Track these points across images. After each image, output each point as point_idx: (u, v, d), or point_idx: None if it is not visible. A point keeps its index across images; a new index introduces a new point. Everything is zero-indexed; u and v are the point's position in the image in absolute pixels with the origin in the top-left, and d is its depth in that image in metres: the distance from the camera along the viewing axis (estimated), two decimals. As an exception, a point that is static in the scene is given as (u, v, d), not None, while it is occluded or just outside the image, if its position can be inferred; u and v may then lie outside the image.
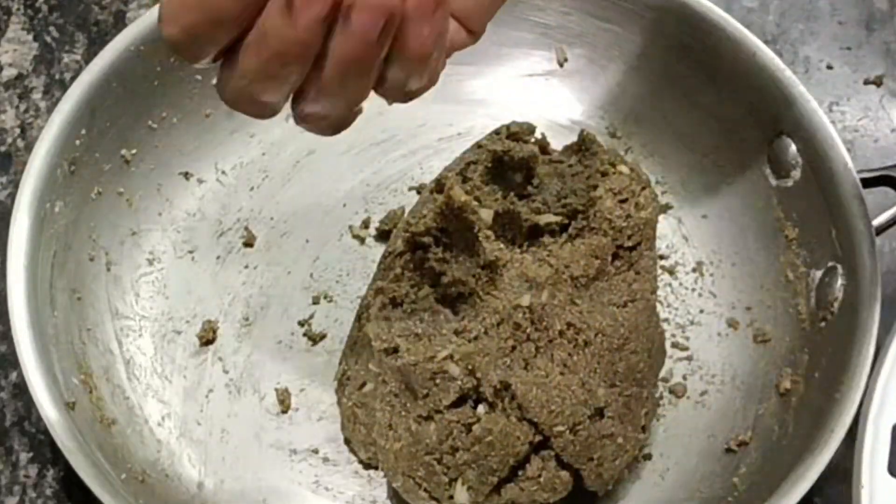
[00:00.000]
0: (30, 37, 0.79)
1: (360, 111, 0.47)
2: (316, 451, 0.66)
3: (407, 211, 0.69)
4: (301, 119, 0.47)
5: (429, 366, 0.57)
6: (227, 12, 0.43)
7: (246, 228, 0.72)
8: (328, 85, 0.45)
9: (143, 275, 0.70)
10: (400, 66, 0.45)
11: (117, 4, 0.80)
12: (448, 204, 0.58)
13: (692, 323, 0.70)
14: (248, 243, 0.71)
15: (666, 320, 0.69)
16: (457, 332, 0.58)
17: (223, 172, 0.73)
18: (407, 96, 0.47)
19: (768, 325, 0.69)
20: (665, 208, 0.72)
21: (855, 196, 0.65)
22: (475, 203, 0.59)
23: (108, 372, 0.66)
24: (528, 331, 0.58)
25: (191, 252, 0.71)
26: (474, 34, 0.49)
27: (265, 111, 0.47)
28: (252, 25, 0.44)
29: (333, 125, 0.48)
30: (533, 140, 0.66)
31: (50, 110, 0.72)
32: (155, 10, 0.69)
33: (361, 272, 0.70)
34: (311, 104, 0.46)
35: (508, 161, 0.62)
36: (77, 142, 0.67)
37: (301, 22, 0.43)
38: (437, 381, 0.57)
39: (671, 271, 0.71)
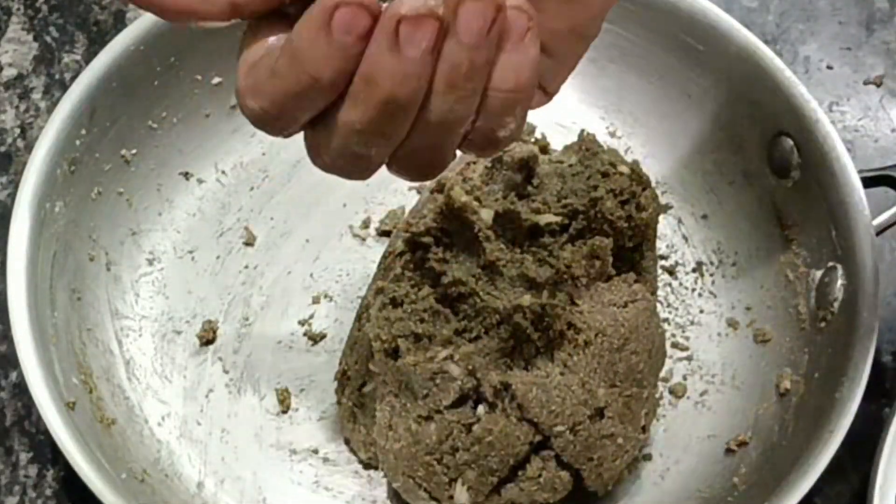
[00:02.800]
0: (30, 37, 0.79)
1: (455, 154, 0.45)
2: (316, 451, 0.66)
3: (407, 211, 0.69)
4: (399, 165, 0.44)
5: (429, 366, 0.57)
6: (323, 76, 0.41)
7: (246, 228, 0.72)
8: (441, 115, 0.42)
9: (143, 275, 0.70)
10: (491, 109, 0.43)
11: (117, 4, 0.80)
12: (448, 204, 0.58)
13: (692, 323, 0.70)
14: (248, 243, 0.71)
15: (666, 320, 0.69)
16: (457, 332, 0.58)
17: (223, 172, 0.73)
18: (494, 146, 0.45)
19: (768, 325, 0.69)
20: (665, 208, 0.72)
21: (855, 196, 0.65)
22: (475, 203, 0.59)
23: (108, 372, 0.66)
24: (528, 331, 0.58)
25: (191, 252, 0.71)
26: (549, 95, 0.47)
27: (370, 167, 0.44)
28: (348, 82, 0.41)
29: (435, 166, 0.45)
30: (533, 140, 0.66)
31: (50, 110, 0.72)
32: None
33: (361, 272, 0.70)
34: (418, 143, 0.43)
35: (508, 161, 0.62)
36: (77, 142, 0.67)
37: (411, 53, 0.41)
38: (437, 381, 0.57)
39: (671, 271, 0.71)
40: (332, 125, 0.42)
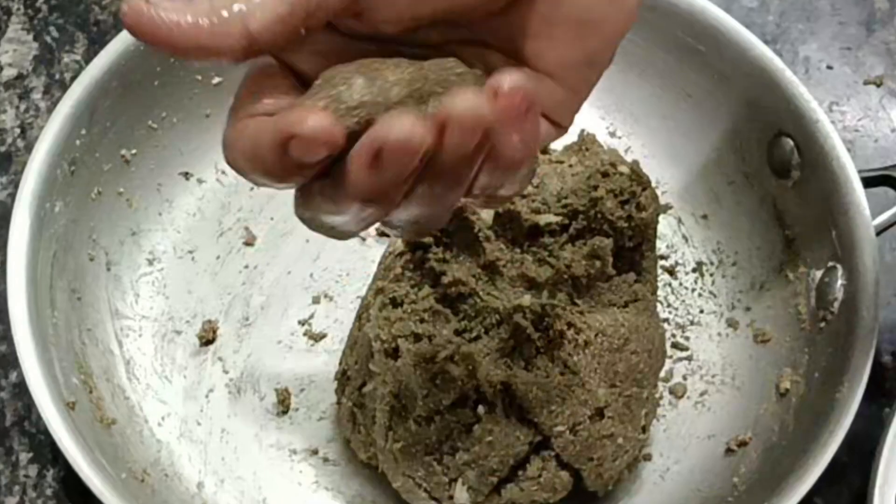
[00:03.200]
0: (30, 37, 0.79)
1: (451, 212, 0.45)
2: (316, 452, 0.66)
3: (407, 211, 0.69)
4: (388, 225, 0.44)
5: (429, 366, 0.57)
6: (281, 184, 0.41)
7: (246, 228, 0.72)
8: (428, 198, 0.42)
9: (143, 275, 0.70)
10: (490, 175, 0.43)
11: (117, 4, 0.80)
12: (448, 204, 0.58)
13: (692, 323, 0.70)
14: (248, 243, 0.71)
15: (666, 320, 0.69)
16: (457, 333, 0.58)
17: (223, 172, 0.73)
18: (497, 202, 0.45)
19: (768, 325, 0.69)
20: (665, 208, 0.72)
21: (855, 196, 0.65)
22: (475, 203, 0.59)
23: (108, 372, 0.66)
24: (528, 331, 0.58)
25: (191, 252, 0.71)
26: (563, 129, 0.47)
27: (348, 236, 0.44)
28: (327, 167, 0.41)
29: (423, 230, 0.45)
30: (533, 140, 0.66)
31: (50, 110, 0.72)
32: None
33: (361, 272, 0.70)
34: (405, 215, 0.43)
35: (508, 161, 0.62)
36: (77, 142, 0.67)
37: (390, 176, 0.40)
38: (437, 381, 0.57)
39: (671, 271, 0.71)
40: (313, 197, 0.42)
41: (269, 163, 0.40)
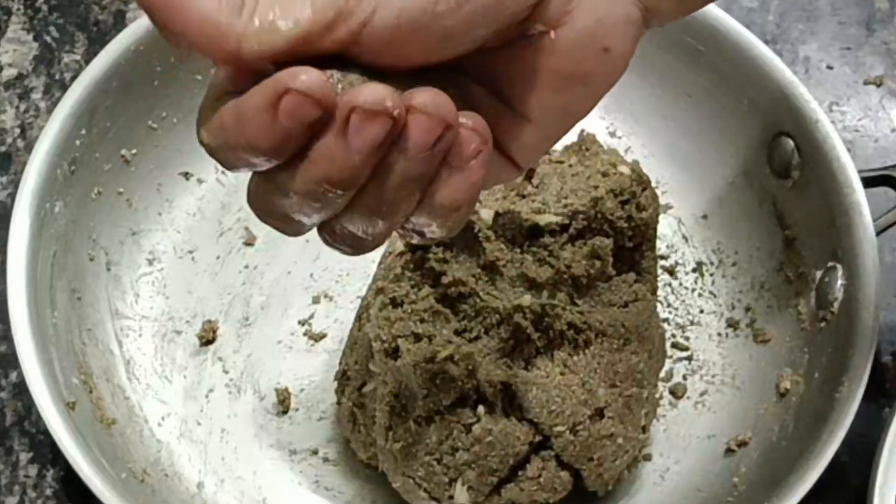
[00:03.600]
0: (30, 37, 0.79)
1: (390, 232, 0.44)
2: (316, 452, 0.66)
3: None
4: (331, 237, 0.44)
5: (429, 366, 0.57)
6: (260, 146, 0.40)
7: (246, 228, 0.72)
8: (376, 205, 0.42)
9: (143, 275, 0.70)
10: (426, 213, 0.42)
11: (117, 4, 0.80)
12: (448, 204, 0.58)
13: (692, 323, 0.70)
14: (248, 243, 0.71)
15: (666, 320, 0.69)
16: (457, 332, 0.58)
17: (223, 172, 0.73)
18: (421, 238, 0.44)
19: (768, 325, 0.69)
20: (665, 208, 0.72)
21: (855, 196, 0.65)
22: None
23: (108, 372, 0.66)
24: (528, 331, 0.58)
25: (191, 252, 0.71)
26: (520, 170, 0.46)
27: (298, 230, 0.44)
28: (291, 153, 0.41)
29: (366, 246, 0.44)
30: (533, 140, 0.66)
31: (50, 110, 0.72)
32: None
33: (361, 272, 0.70)
34: (349, 224, 0.43)
35: (508, 161, 0.62)
36: (77, 142, 0.67)
37: (357, 145, 0.39)
38: (437, 381, 0.57)
39: (671, 271, 0.71)
40: (271, 182, 0.42)
41: (253, 130, 0.40)
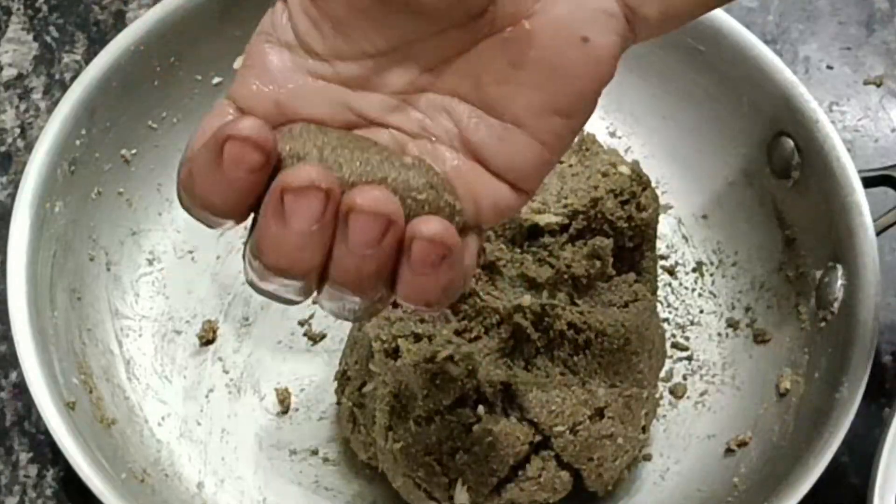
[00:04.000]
0: (30, 37, 0.79)
1: (385, 305, 0.44)
2: (316, 452, 0.66)
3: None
4: (325, 309, 0.44)
5: (429, 366, 0.57)
6: (215, 203, 0.41)
7: (246, 228, 0.72)
8: (337, 291, 0.42)
9: (143, 275, 0.70)
10: (404, 303, 0.43)
11: (117, 4, 0.80)
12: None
13: (692, 323, 0.70)
14: (249, 243, 0.71)
15: (666, 320, 0.69)
16: (457, 332, 0.58)
17: (223, 172, 0.73)
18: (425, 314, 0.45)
19: (768, 325, 0.69)
20: (665, 208, 0.72)
21: (855, 196, 0.65)
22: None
23: (108, 372, 0.66)
24: (528, 331, 0.58)
25: (191, 252, 0.71)
26: (527, 194, 0.45)
27: (291, 300, 0.44)
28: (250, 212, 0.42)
29: (357, 317, 0.44)
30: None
31: (50, 110, 0.72)
32: (155, 9, 0.69)
33: (361, 272, 0.70)
34: (327, 301, 0.43)
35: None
36: (77, 142, 0.67)
37: (296, 226, 0.40)
38: (437, 381, 0.57)
39: (671, 271, 0.71)
40: (246, 261, 0.43)
41: (204, 186, 0.41)
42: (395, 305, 0.58)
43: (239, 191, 0.41)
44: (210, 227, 0.43)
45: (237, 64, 0.44)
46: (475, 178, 0.43)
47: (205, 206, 0.41)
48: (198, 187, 0.41)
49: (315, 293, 0.43)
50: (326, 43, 0.43)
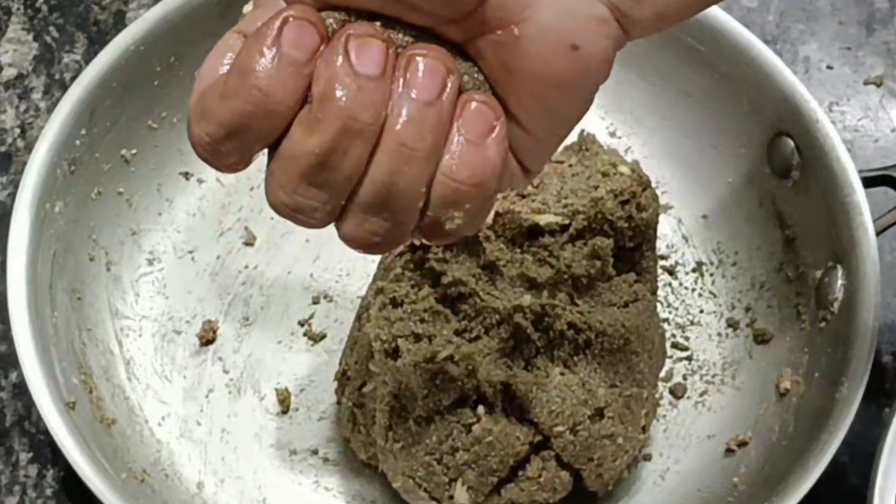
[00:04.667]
0: (30, 37, 0.79)
1: (412, 228, 0.43)
2: (316, 452, 0.66)
3: (407, 211, 0.69)
4: (349, 232, 0.43)
5: (429, 366, 0.57)
6: (273, 93, 0.40)
7: (246, 228, 0.72)
8: (384, 167, 0.41)
9: (143, 275, 0.70)
10: (441, 193, 0.42)
11: (117, 4, 0.80)
12: (448, 204, 0.58)
13: (692, 323, 0.70)
14: (248, 243, 0.71)
15: (666, 320, 0.69)
16: (457, 333, 0.58)
17: (223, 172, 0.73)
18: (439, 236, 0.43)
19: (768, 325, 0.69)
20: (665, 208, 0.72)
21: (855, 196, 0.65)
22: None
23: (108, 372, 0.66)
24: (528, 331, 0.58)
25: (191, 252, 0.71)
26: (530, 174, 0.45)
27: (324, 214, 0.43)
28: (298, 106, 0.41)
29: (381, 246, 0.43)
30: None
31: (50, 110, 0.72)
32: (155, 9, 0.69)
33: (361, 272, 0.70)
34: (363, 201, 0.42)
35: (508, 161, 0.62)
36: (77, 142, 0.67)
37: (364, 69, 0.40)
38: (437, 381, 0.57)
39: (671, 271, 0.71)
40: (288, 157, 0.41)
41: (262, 76, 0.40)
42: (416, 248, 0.58)
43: (299, 75, 0.40)
44: (235, 153, 0.42)
45: (247, 8, 0.44)
46: None
47: (262, 96, 0.40)
48: (255, 80, 0.40)
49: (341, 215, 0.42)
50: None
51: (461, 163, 0.41)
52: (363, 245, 0.43)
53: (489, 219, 0.60)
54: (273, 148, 0.42)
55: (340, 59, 0.40)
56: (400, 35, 0.42)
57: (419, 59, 0.41)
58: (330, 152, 0.41)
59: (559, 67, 0.42)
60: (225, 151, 0.42)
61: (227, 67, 0.41)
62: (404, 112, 0.41)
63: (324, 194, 0.42)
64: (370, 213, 0.42)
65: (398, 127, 0.41)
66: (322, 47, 0.41)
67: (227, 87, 0.41)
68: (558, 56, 0.42)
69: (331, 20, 0.41)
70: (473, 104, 0.42)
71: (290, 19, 0.40)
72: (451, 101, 0.41)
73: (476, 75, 0.43)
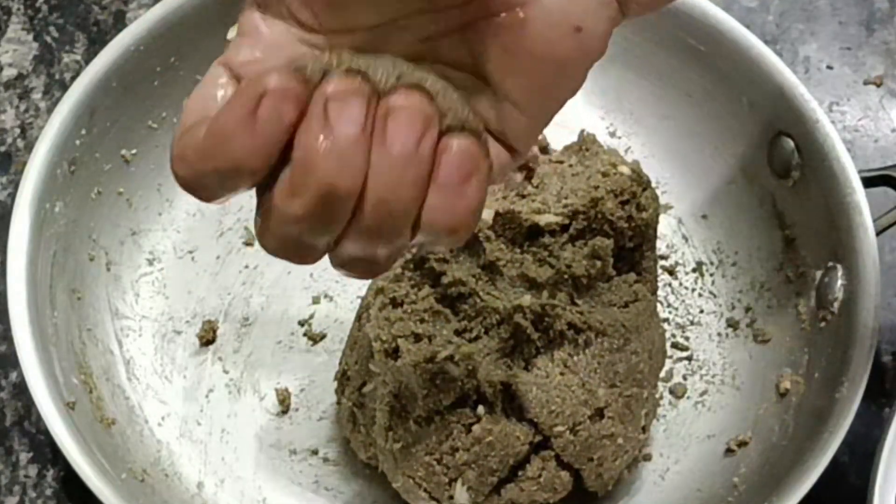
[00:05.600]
0: (30, 37, 0.79)
1: (403, 254, 0.44)
2: (316, 452, 0.66)
3: (407, 211, 0.69)
4: (339, 264, 0.43)
5: (429, 366, 0.57)
6: (246, 163, 0.40)
7: (246, 228, 0.72)
8: (369, 220, 0.41)
9: (143, 275, 0.70)
10: (426, 234, 0.42)
11: (117, 4, 0.80)
12: (448, 204, 0.58)
13: (692, 323, 0.70)
14: (248, 243, 0.71)
15: (666, 320, 0.69)
16: (457, 333, 0.58)
17: (223, 172, 0.73)
18: (428, 252, 0.44)
19: (768, 325, 0.69)
20: (665, 208, 0.72)
21: (855, 196, 0.65)
22: (475, 203, 0.59)
23: (108, 372, 0.66)
24: (528, 331, 0.58)
25: (191, 252, 0.71)
26: (518, 154, 0.45)
27: (315, 255, 0.43)
28: (274, 167, 0.40)
29: (374, 270, 0.43)
30: (533, 140, 0.66)
31: (50, 110, 0.72)
32: (155, 9, 0.69)
33: (361, 272, 0.70)
34: (353, 246, 0.42)
35: (508, 161, 0.62)
36: (77, 142, 0.67)
37: (343, 131, 0.39)
38: (437, 381, 0.57)
39: (671, 271, 0.71)
40: (273, 213, 0.41)
41: (237, 143, 0.39)
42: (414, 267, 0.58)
43: (274, 145, 0.40)
44: (223, 192, 0.41)
45: (230, 34, 0.44)
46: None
47: (235, 165, 0.40)
48: (230, 149, 0.40)
49: (334, 247, 0.42)
50: (318, 19, 0.43)
51: (441, 210, 0.41)
52: (355, 274, 0.44)
53: (489, 219, 0.60)
54: (260, 189, 0.42)
55: (319, 126, 0.39)
56: (388, 70, 0.41)
57: (398, 110, 0.40)
58: (312, 214, 0.41)
59: (562, 49, 0.43)
60: (204, 195, 0.42)
61: (216, 103, 0.41)
62: (382, 168, 0.40)
63: (311, 241, 0.42)
64: (357, 254, 0.43)
65: (377, 184, 0.41)
66: (301, 114, 0.40)
67: (205, 148, 0.40)
68: (562, 38, 0.43)
69: (311, 70, 0.40)
70: (454, 148, 0.41)
71: (268, 92, 0.39)
72: (430, 150, 0.41)
73: (462, 110, 0.42)
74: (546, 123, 0.45)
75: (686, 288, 0.71)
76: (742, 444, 0.65)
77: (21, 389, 0.68)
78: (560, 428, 0.59)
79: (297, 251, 0.42)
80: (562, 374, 0.59)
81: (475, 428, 0.58)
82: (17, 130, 0.76)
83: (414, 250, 0.44)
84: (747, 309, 0.70)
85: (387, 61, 0.41)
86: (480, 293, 0.58)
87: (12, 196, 0.67)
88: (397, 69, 0.41)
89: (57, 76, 0.77)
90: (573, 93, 0.45)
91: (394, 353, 0.58)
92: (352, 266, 0.43)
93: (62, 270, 0.66)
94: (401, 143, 0.40)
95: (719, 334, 0.70)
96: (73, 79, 0.68)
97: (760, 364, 0.68)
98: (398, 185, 0.41)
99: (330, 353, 0.68)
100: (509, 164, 0.45)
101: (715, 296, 0.71)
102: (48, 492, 0.66)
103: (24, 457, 0.66)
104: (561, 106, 0.45)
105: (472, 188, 0.41)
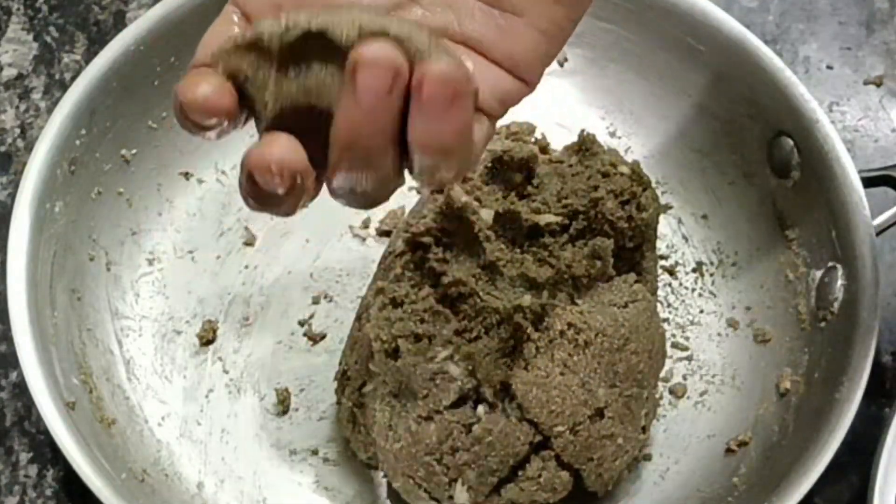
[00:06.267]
0: (30, 37, 0.79)
1: (396, 187, 0.45)
2: (316, 452, 0.66)
3: (407, 211, 0.69)
4: (333, 194, 0.45)
5: (429, 366, 0.57)
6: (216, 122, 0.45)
7: (246, 228, 0.72)
8: (343, 158, 0.43)
9: (143, 275, 0.70)
10: (423, 158, 0.43)
11: (117, 4, 0.80)
12: (448, 204, 0.58)
13: (692, 323, 0.70)
14: (248, 243, 0.71)
15: (666, 320, 0.69)
16: (457, 333, 0.58)
17: (223, 172, 0.73)
18: (441, 184, 0.45)
19: (768, 325, 0.69)
20: (665, 208, 0.72)
21: (855, 196, 0.65)
22: (475, 203, 0.59)
23: (108, 372, 0.66)
24: (528, 331, 0.58)
25: (191, 252, 0.71)
26: (528, 84, 0.46)
27: (290, 203, 0.45)
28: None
29: (365, 201, 0.45)
30: (533, 140, 0.66)
31: (50, 110, 0.72)
32: (155, 9, 0.69)
33: (361, 272, 0.70)
34: (342, 180, 0.44)
35: (508, 161, 0.62)
36: (77, 142, 0.67)
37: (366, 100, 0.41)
38: (437, 381, 0.57)
39: (671, 271, 0.71)
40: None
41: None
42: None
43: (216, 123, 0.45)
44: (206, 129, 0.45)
45: None
46: (473, 65, 0.44)
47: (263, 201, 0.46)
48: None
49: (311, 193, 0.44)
50: None
51: (428, 133, 0.42)
52: (350, 204, 0.46)
53: (489, 219, 0.60)
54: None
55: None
56: (347, 25, 0.42)
57: (361, 64, 0.41)
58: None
59: None
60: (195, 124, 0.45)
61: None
62: (356, 116, 0.42)
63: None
64: (345, 187, 0.44)
65: (349, 127, 0.42)
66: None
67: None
68: None
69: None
70: (433, 73, 0.42)
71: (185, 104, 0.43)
72: (400, 94, 0.42)
73: (435, 44, 0.42)
74: (556, 44, 0.46)
75: (686, 288, 0.71)
76: (742, 444, 0.65)
77: (21, 389, 0.68)
78: (560, 428, 0.59)
79: (275, 201, 0.46)
80: (562, 374, 0.59)
81: (475, 428, 0.58)
82: (17, 130, 0.76)
83: (424, 179, 0.44)
84: (747, 309, 0.70)
85: (346, 15, 0.42)
86: (480, 293, 0.58)
87: (12, 196, 0.67)
88: (357, 21, 0.42)
89: (57, 76, 0.77)
90: (583, 5, 0.45)
91: (394, 353, 0.58)
92: (346, 198, 0.45)
93: (62, 270, 0.66)
94: (369, 96, 0.41)
95: (719, 334, 0.70)
96: (73, 79, 0.68)
97: (760, 364, 0.68)
98: (370, 131, 0.42)
99: (330, 353, 0.68)
100: (514, 93, 0.46)
101: (715, 296, 0.71)
102: (48, 492, 0.66)
103: (24, 457, 0.66)
104: (570, 25, 0.45)
105: (456, 109, 0.42)
